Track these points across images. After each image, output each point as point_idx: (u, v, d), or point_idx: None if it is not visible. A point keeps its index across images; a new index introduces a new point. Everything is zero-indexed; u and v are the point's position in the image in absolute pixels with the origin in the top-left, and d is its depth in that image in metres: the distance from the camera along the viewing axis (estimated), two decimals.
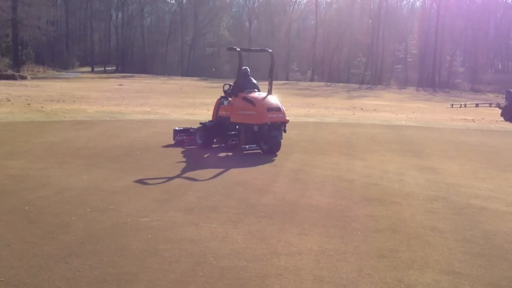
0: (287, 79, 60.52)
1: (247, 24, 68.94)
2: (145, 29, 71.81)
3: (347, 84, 54.12)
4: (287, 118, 9.42)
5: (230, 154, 9.00)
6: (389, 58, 63.90)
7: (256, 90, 9.59)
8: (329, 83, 53.78)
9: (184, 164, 7.74)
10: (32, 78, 38.70)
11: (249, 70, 9.83)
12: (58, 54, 64.95)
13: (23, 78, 37.27)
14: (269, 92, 9.65)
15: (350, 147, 10.31)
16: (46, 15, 58.55)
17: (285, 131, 9.37)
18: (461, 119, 18.97)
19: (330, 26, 66.83)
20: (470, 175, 7.80)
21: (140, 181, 6.45)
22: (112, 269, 3.54)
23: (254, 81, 9.79)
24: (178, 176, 6.86)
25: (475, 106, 28.39)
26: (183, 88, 32.53)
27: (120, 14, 71.26)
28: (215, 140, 9.68)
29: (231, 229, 4.63)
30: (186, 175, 6.99)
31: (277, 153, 8.93)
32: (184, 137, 9.72)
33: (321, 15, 67.44)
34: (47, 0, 60.21)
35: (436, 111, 23.33)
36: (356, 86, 52.06)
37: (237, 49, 9.65)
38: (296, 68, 65.29)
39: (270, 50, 10.19)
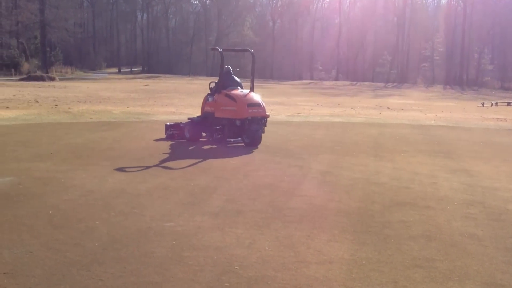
0: (311, 79, 60.12)
1: (270, 23, 68.72)
2: (169, 30, 72.38)
3: (372, 83, 53.39)
4: (267, 113, 10.05)
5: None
6: (415, 57, 62.76)
7: (238, 87, 10.22)
8: (354, 82, 53.16)
9: (209, 166, 7.62)
10: (61, 79, 39.34)
11: (231, 68, 10.55)
12: (86, 55, 66.10)
13: (52, 79, 37.91)
14: (251, 89, 10.27)
15: (378, 148, 10.03)
16: (73, 17, 59.65)
17: (265, 125, 10.02)
18: (493, 118, 18.37)
19: (354, 24, 66.05)
20: (506, 177, 7.44)
21: (165, 184, 6.35)
22: (136, 278, 3.42)
23: (237, 79, 10.46)
24: (203, 179, 6.73)
25: (507, 105, 27.53)
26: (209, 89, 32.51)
27: (145, 16, 72.04)
28: (204, 134, 10.38)
29: (258, 235, 4.47)
30: (211, 177, 6.85)
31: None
32: (174, 131, 10.35)
33: (345, 13, 66.74)
34: (73, 2, 61.36)
35: (466, 110, 22.68)
36: (382, 85, 51.29)
37: (219, 49, 10.40)
38: (320, 68, 64.80)
39: (251, 50, 10.95)
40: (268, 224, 4.82)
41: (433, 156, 9.15)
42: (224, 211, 5.22)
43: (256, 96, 10.03)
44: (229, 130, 9.83)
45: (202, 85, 37.14)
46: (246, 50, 11.24)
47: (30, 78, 36.94)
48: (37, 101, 18.05)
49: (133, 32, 75.16)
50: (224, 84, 10.15)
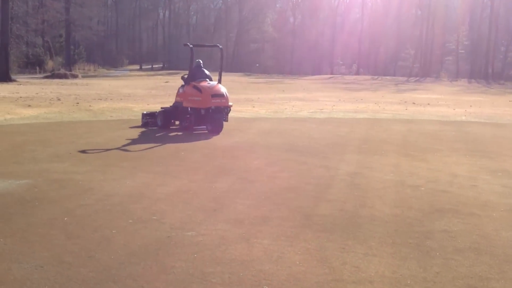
0: (331, 73, 59.30)
1: (291, 19, 68.02)
2: (190, 26, 72.37)
3: (394, 77, 52.34)
4: (230, 103, 11.01)
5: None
6: (438, 50, 61.28)
7: (207, 79, 11.16)
8: (376, 77, 52.20)
9: (231, 167, 7.27)
10: (83, 77, 39.60)
11: (201, 62, 11.59)
12: (108, 53, 66.65)
13: (75, 76, 38.18)
14: (219, 82, 11.27)
15: (408, 147, 9.54)
16: (97, 15, 60.07)
17: (227, 113, 10.91)
18: None
19: (376, 18, 64.87)
20: None
21: (186, 187, 6.03)
22: None
23: (207, 72, 11.44)
24: (225, 181, 6.39)
25: None
26: (227, 84, 32.20)
27: (167, 13, 72.20)
28: (177, 122, 11.42)
29: (287, 247, 4.10)
30: (234, 179, 6.50)
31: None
32: (148, 119, 11.42)
33: (367, 7, 65.58)
34: (98, 0, 61.79)
35: (496, 105, 21.84)
36: (404, 79, 50.20)
37: (190, 45, 11.41)
38: (341, 62, 63.93)
39: (220, 46, 12.21)
40: (297, 234, 4.45)
41: (470, 156, 8.63)
42: (248, 218, 4.86)
43: (221, 88, 10.92)
44: (195, 118, 10.70)
45: (222, 81, 36.94)
46: (215, 46, 12.52)
47: (54, 75, 37.28)
48: (59, 99, 17.99)
49: (155, 29, 75.43)
50: (194, 77, 11.11)
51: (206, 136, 10.12)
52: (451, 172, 7.17)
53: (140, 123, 11.55)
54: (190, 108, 10.75)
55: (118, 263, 3.60)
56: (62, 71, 39.91)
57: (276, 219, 4.87)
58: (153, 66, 67.01)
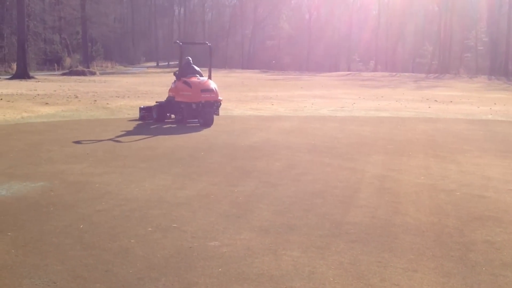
0: (348, 70, 58.57)
1: (307, 15, 67.36)
2: (205, 23, 72.21)
3: (412, 74, 51.43)
4: (220, 98, 11.47)
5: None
6: (457, 46, 60.09)
7: (197, 75, 11.66)
8: (394, 73, 51.38)
9: (253, 169, 6.96)
10: (101, 74, 39.64)
11: (191, 59, 12.08)
12: (125, 50, 66.87)
13: (92, 73, 38.24)
14: (209, 77, 11.72)
15: (436, 147, 9.13)
16: (113, 12, 60.24)
17: (218, 107, 11.44)
18: None
19: (393, 14, 63.87)
20: None
21: (206, 190, 5.75)
22: None
23: (197, 68, 11.96)
24: (246, 184, 6.09)
25: None
26: (245, 82, 31.95)
27: (182, 10, 72.18)
28: (172, 116, 11.95)
29: (318, 260, 3.79)
30: (256, 182, 6.20)
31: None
32: (145, 113, 12.02)
33: (384, 3, 64.58)
34: None
35: None
36: (423, 75, 49.27)
37: (180, 43, 12.00)
38: (358, 59, 63.14)
39: (209, 44, 12.66)
40: (328, 244, 4.13)
41: (502, 157, 8.19)
42: (274, 226, 4.56)
43: (211, 83, 11.38)
44: (187, 112, 11.22)
45: (238, 79, 36.63)
46: (204, 43, 13.09)
47: (71, 72, 37.39)
48: (77, 97, 17.89)
49: (170, 26, 75.50)
50: (184, 73, 11.64)
51: (225, 136, 9.84)
52: (484, 175, 6.77)
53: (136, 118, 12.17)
54: (182, 102, 11.28)
55: (136, 279, 3.33)
56: (80, 68, 40.03)
57: (304, 227, 4.56)
58: (170, 63, 67.04)
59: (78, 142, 8.72)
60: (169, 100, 11.82)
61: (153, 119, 11.79)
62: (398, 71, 55.30)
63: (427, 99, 20.97)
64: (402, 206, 5.34)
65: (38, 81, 28.04)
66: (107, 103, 15.78)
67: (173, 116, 11.97)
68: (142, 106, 12.53)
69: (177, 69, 12.04)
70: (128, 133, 10.03)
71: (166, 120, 11.88)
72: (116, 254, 3.75)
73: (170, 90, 11.96)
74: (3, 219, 4.39)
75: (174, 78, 12.10)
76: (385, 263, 3.75)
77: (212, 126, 11.09)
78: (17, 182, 5.72)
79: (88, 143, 8.63)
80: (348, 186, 6.19)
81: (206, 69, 12.29)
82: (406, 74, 51.23)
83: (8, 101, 15.24)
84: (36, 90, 20.81)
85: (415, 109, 16.40)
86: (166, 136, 9.58)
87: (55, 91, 20.69)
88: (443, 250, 4.04)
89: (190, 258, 3.72)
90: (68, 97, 17.71)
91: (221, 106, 11.81)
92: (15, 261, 3.55)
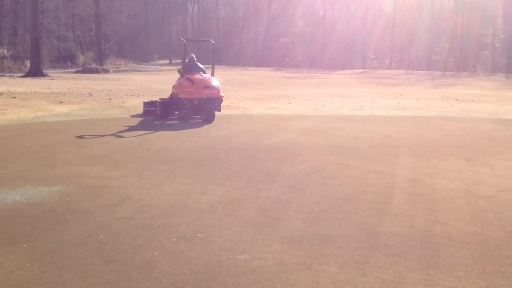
0: (363, 68, 57.86)
1: (321, 12, 66.69)
2: (219, 20, 71.94)
3: (428, 72, 50.64)
4: (221, 95, 11.59)
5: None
6: (474, 44, 59.03)
7: (201, 72, 11.85)
8: (409, 71, 50.61)
9: (277, 173, 6.65)
10: (114, 71, 39.55)
11: (194, 56, 12.36)
12: (138, 47, 66.85)
13: (106, 71, 38.14)
14: (212, 74, 11.90)
15: (465, 148, 8.74)
16: (127, 9, 60.24)
17: (219, 104, 11.56)
18: None
19: (408, 11, 62.94)
20: None
21: (230, 195, 5.45)
22: None
23: (201, 65, 12.14)
24: (272, 189, 5.78)
25: None
26: (260, 79, 31.60)
27: (196, 7, 72.00)
28: (176, 112, 12.02)
29: (358, 277, 3.46)
30: (282, 187, 5.89)
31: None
32: (149, 108, 12.24)
33: (399, 0, 63.68)
34: None
35: None
36: (439, 73, 48.47)
37: (183, 40, 12.24)
38: (373, 56, 62.39)
39: (212, 41, 13.01)
40: (367, 258, 3.80)
41: None
42: (306, 237, 4.24)
43: (213, 80, 11.53)
44: (190, 108, 11.40)
45: (253, 76, 36.27)
46: (208, 41, 13.53)
47: (85, 70, 37.32)
48: (91, 95, 17.70)
49: (184, 23, 75.37)
50: (188, 70, 11.84)
51: (244, 136, 9.53)
52: None
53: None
54: (185, 98, 11.48)
55: None
56: (94, 65, 39.95)
57: (338, 239, 4.23)
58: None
59: (94, 143, 8.48)
60: (173, 96, 11.98)
61: (156, 116, 11.97)
62: (413, 68, 54.48)
63: (447, 98, 20.45)
64: (440, 214, 4.99)
65: (52, 79, 27.98)
66: (122, 102, 15.55)
67: (176, 112, 12.07)
68: (146, 101, 12.77)
69: (181, 66, 12.20)
70: (145, 133, 9.77)
71: (170, 117, 11.94)
72: (140, 269, 3.46)
73: (173, 87, 12.16)
74: (18, 229, 4.13)
75: (178, 75, 12.17)
76: (432, 281, 3.41)
77: (230, 126, 10.80)
78: (32, 187, 5.47)
79: (105, 144, 8.37)
80: (379, 191, 5.85)
81: (210, 66, 12.48)
82: (422, 71, 50.45)
83: (22, 99, 15.09)
84: (50, 88, 20.69)
85: (437, 108, 15.94)
86: (185, 137, 9.30)
87: (69, 89, 20.54)
88: (493, 265, 3.69)
89: (219, 275, 3.42)
90: (82, 96, 17.52)
91: (232, 104, 11.88)
92: (30, 277, 3.27)
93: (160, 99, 12.44)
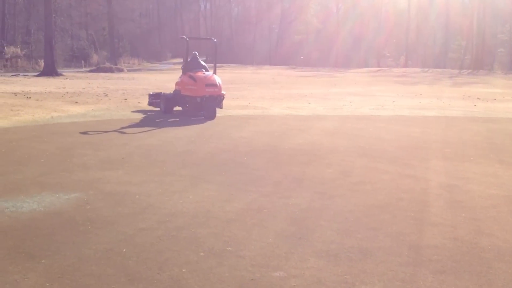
0: (378, 66, 57.16)
1: (334, 9, 66.03)
2: (232, 18, 71.63)
3: (444, 70, 49.83)
4: (223, 92, 11.93)
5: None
6: (490, 41, 57.96)
7: (203, 70, 12.10)
8: (425, 69, 49.85)
9: (303, 177, 6.33)
10: (128, 71, 39.48)
11: (197, 54, 12.68)
12: (151, 46, 66.75)
13: (120, 70, 38.06)
14: (214, 72, 12.19)
15: (497, 151, 8.34)
16: (139, 7, 60.19)
17: (221, 101, 11.87)
18: None
19: (424, 8, 62.03)
20: None
21: (257, 203, 5.14)
22: None
23: (203, 63, 12.43)
24: (300, 196, 5.46)
25: None
26: (275, 78, 31.26)
27: (208, 5, 71.79)
28: (181, 108, 12.36)
29: None
30: (310, 193, 5.57)
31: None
32: (153, 100, 12.78)
33: None
34: None
35: None
36: (456, 71, 47.66)
37: (186, 38, 12.68)
38: (388, 54, 61.63)
39: (215, 40, 13.38)
40: (413, 276, 3.47)
41: None
42: (343, 251, 3.92)
43: (215, 78, 11.79)
44: (192, 105, 11.71)
45: (268, 75, 35.93)
46: (209, 39, 13.95)
47: (99, 69, 37.28)
48: (106, 95, 17.52)
49: (196, 22, 75.15)
50: (190, 67, 12.11)
51: (266, 138, 9.22)
52: None
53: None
54: (187, 96, 11.76)
55: None
56: (107, 65, 39.92)
57: (378, 252, 3.90)
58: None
59: (111, 145, 8.22)
60: (176, 93, 12.30)
61: (161, 110, 12.52)
62: (429, 66, 53.70)
63: (469, 97, 19.93)
64: (484, 224, 4.63)
65: (66, 78, 27.94)
66: (139, 102, 15.32)
67: (179, 108, 12.51)
68: (151, 93, 13.29)
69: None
70: (163, 135, 9.51)
71: (172, 112, 12.47)
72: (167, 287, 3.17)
73: (176, 84, 12.47)
74: (36, 242, 3.86)
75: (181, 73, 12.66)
76: None
77: (250, 127, 10.49)
78: (50, 193, 5.21)
79: (123, 146, 8.12)
80: (414, 198, 5.50)
81: (213, 64, 12.69)
82: (439, 70, 49.68)
83: (37, 99, 14.94)
84: (64, 88, 20.58)
85: (460, 107, 15.47)
86: (204, 139, 9.02)
87: (84, 88, 20.41)
88: None
89: None
90: (97, 95, 17.35)
91: (250, 104, 11.71)
92: None
93: (162, 93, 13.01)
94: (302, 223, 4.56)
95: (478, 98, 19.63)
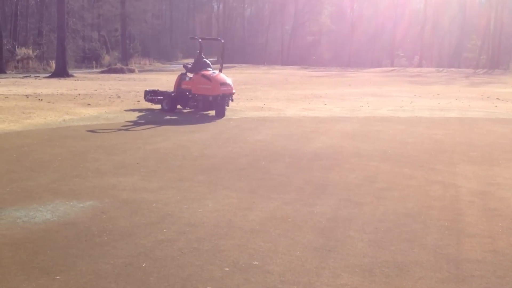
0: (392, 66, 56.54)
1: (348, 10, 65.47)
2: (245, 19, 71.45)
3: (460, 69, 49.12)
4: (233, 91, 12.47)
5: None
6: (507, 40, 57.03)
7: (209, 68, 12.65)
8: (440, 69, 49.18)
9: (326, 182, 6.05)
10: (140, 71, 39.41)
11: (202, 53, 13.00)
12: (163, 46, 66.83)
13: (131, 71, 37.97)
14: (220, 71, 12.65)
15: None
16: (152, 8, 60.28)
17: (232, 100, 12.56)
18: None
19: (439, 8, 61.27)
20: None
21: (280, 212, 4.88)
22: None
23: (208, 61, 12.96)
24: (325, 203, 5.19)
25: None
26: (288, 79, 30.93)
27: (221, 6, 71.68)
28: (178, 106, 12.87)
29: None
30: (335, 200, 5.30)
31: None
32: (149, 97, 13.37)
33: None
34: None
35: None
36: (471, 71, 46.94)
37: (199, 39, 13.17)
38: (401, 54, 61.00)
39: (222, 40, 13.53)
40: None
41: None
42: (378, 265, 3.65)
43: (225, 77, 12.33)
44: (203, 104, 12.14)
45: (281, 75, 35.61)
46: (217, 39, 14.31)
47: (110, 70, 37.23)
48: (119, 97, 17.36)
49: (209, 22, 75.15)
50: (197, 67, 12.59)
51: (283, 141, 8.94)
52: None
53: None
54: (198, 94, 12.14)
55: None
56: (119, 65, 39.88)
57: (416, 268, 3.62)
58: (208, 59, 66.69)
59: (126, 149, 8.01)
60: (181, 92, 12.63)
61: (157, 103, 13.12)
62: (444, 66, 53.02)
63: (488, 97, 19.46)
64: None
65: (78, 80, 27.89)
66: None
67: (179, 106, 12.91)
68: (147, 89, 13.93)
69: (186, 62, 13.14)
70: (178, 138, 9.29)
71: (175, 111, 12.80)
72: None
73: (184, 83, 12.69)
74: (50, 255, 3.64)
75: (185, 70, 13.04)
76: None
77: (267, 130, 10.21)
78: (63, 201, 4.99)
79: (137, 150, 7.90)
80: (446, 206, 5.20)
81: (223, 63, 13.21)
82: (454, 69, 48.98)
83: (49, 102, 14.81)
84: (76, 89, 20.49)
85: (481, 108, 15.06)
86: (220, 142, 8.77)
87: (96, 90, 20.29)
88: None
89: None
90: (110, 97, 17.19)
91: (265, 105, 11.73)
92: None
93: (158, 90, 13.68)
94: (330, 234, 4.30)
95: (497, 98, 19.16)
